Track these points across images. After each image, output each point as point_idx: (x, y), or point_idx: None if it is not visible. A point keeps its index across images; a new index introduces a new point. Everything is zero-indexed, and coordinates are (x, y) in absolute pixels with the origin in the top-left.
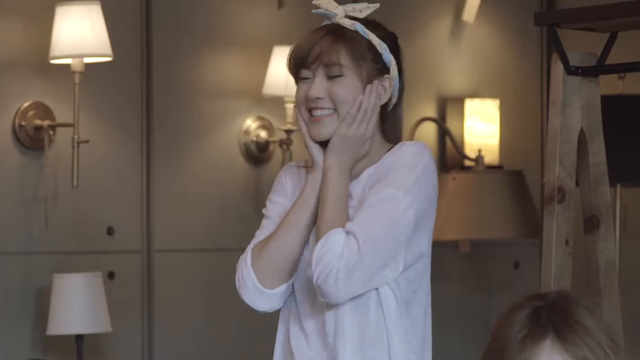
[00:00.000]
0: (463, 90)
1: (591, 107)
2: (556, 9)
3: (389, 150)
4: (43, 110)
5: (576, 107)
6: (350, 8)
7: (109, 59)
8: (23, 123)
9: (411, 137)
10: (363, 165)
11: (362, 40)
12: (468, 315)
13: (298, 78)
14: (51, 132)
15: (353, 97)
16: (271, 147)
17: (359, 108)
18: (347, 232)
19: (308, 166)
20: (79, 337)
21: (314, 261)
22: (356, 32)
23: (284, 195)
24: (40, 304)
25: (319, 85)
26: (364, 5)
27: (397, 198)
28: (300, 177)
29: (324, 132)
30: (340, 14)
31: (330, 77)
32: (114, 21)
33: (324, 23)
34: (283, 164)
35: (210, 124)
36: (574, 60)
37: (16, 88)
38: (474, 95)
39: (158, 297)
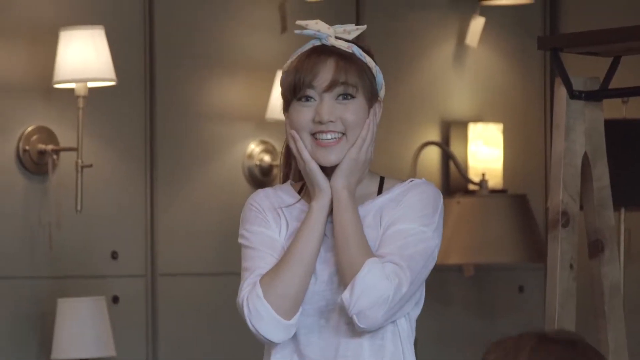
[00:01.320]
0: (466, 114)
1: (595, 131)
2: (559, 33)
3: (382, 179)
4: (47, 134)
5: (580, 131)
6: (341, 29)
7: (112, 83)
8: (27, 147)
9: (415, 162)
10: (361, 191)
11: (363, 62)
12: (472, 340)
13: (296, 100)
14: (55, 157)
15: (362, 120)
16: (275, 171)
17: (368, 131)
18: (390, 262)
19: (298, 200)
20: None
21: (357, 290)
22: (354, 54)
23: (265, 225)
24: (45, 329)
25: (330, 108)
26: (352, 26)
27: (429, 235)
28: (278, 202)
29: (333, 158)
30: (332, 35)
31: (340, 98)
32: (117, 46)
33: (310, 43)
34: None
35: (214, 148)
36: (578, 84)
37: (20, 112)
38: (478, 119)
39: (162, 321)
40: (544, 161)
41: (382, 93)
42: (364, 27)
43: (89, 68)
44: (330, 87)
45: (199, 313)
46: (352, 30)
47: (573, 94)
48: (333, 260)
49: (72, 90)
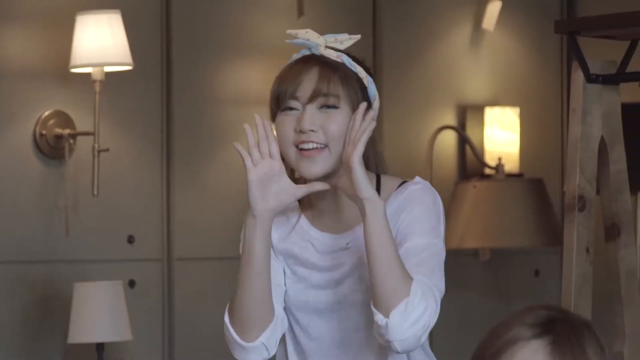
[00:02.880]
0: (483, 98)
1: (612, 115)
2: (576, 17)
3: (378, 178)
4: (64, 119)
5: (596, 115)
6: (332, 39)
7: (129, 67)
8: (44, 132)
9: (431, 146)
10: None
11: (351, 72)
12: (488, 324)
13: (281, 110)
14: (72, 141)
15: (345, 131)
16: None
17: (359, 129)
18: (428, 287)
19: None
20: (100, 346)
21: (412, 318)
22: (343, 64)
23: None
24: (61, 313)
25: (311, 117)
26: (345, 36)
27: (440, 247)
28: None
29: (316, 169)
30: (322, 45)
31: (324, 108)
32: (134, 30)
33: (301, 53)
34: None
35: (230, 133)
36: (595, 68)
37: (37, 97)
38: (494, 103)
39: (178, 305)
40: (560, 145)
41: (376, 104)
42: (358, 36)
43: (106, 52)
44: (312, 98)
45: (215, 297)
46: (345, 39)
47: (590, 78)
48: (333, 264)
49: (88, 74)
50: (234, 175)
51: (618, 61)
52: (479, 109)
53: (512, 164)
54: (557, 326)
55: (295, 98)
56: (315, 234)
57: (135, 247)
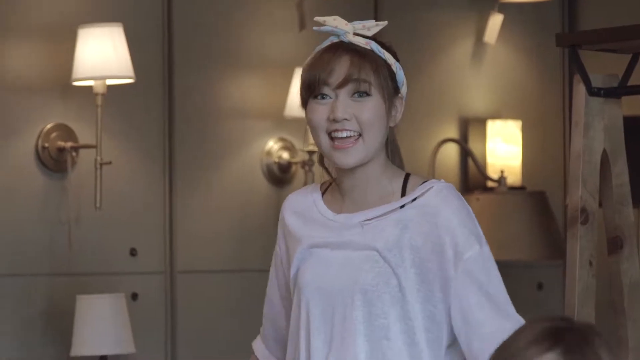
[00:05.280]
0: (485, 112)
1: (614, 128)
2: (578, 30)
3: (407, 177)
4: (66, 132)
5: (599, 129)
6: (360, 26)
7: (131, 80)
8: (46, 145)
9: (433, 159)
10: (377, 192)
11: (380, 60)
12: None
13: (313, 97)
14: (74, 154)
15: (378, 119)
16: (293, 168)
17: None
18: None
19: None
20: (103, 358)
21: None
22: (372, 50)
23: (281, 238)
24: (64, 326)
25: (344, 106)
26: (372, 23)
27: (487, 250)
28: (304, 204)
29: (351, 161)
30: (350, 32)
31: (356, 96)
32: (136, 43)
33: (329, 40)
34: (305, 184)
35: (233, 146)
36: (596, 81)
37: (39, 110)
38: (496, 116)
39: (181, 318)
40: (562, 158)
41: (403, 90)
42: (385, 23)
43: (108, 66)
44: (343, 84)
45: (218, 310)
46: (372, 26)
47: (592, 91)
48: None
49: (90, 87)
50: (236, 188)
51: (620, 74)
52: (481, 122)
53: (514, 176)
54: (566, 336)
55: (327, 85)
56: (329, 215)
57: (138, 259)
